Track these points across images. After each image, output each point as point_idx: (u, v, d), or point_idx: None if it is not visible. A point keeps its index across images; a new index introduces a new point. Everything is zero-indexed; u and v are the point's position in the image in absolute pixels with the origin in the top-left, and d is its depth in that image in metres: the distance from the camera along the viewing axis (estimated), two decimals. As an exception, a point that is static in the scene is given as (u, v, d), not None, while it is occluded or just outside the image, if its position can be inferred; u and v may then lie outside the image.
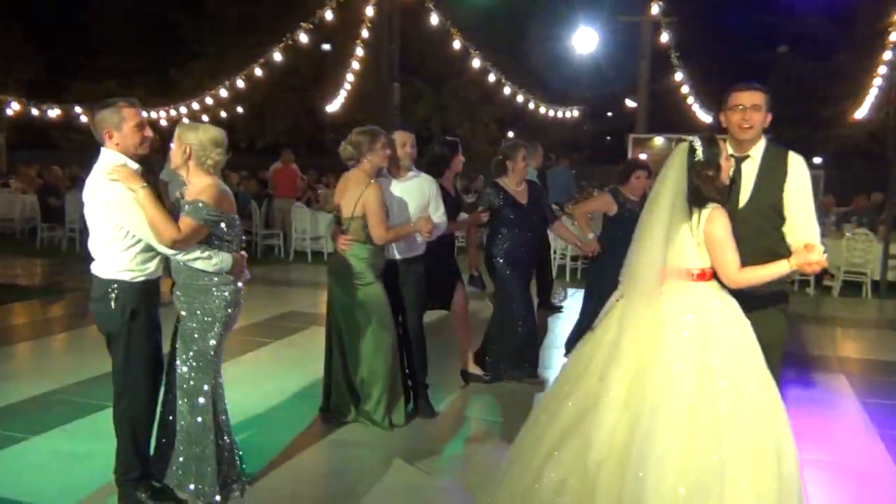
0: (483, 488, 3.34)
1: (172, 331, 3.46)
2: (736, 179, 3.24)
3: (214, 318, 3.35)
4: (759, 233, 3.18)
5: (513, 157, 5.25)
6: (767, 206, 3.22)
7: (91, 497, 3.51)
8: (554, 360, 6.01)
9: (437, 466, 3.96)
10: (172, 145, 3.38)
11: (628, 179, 5.53)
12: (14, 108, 16.33)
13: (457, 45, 13.83)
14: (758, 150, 3.28)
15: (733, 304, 2.95)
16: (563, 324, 7.20)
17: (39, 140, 24.16)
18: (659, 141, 14.09)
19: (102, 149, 3.29)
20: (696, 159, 2.94)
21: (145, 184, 3.18)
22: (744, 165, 3.27)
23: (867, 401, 5.21)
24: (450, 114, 22.70)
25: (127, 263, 3.26)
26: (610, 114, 32.87)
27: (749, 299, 3.00)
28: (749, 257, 2.93)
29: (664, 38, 14.90)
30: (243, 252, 3.50)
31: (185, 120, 16.34)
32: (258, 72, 14.45)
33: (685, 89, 17.27)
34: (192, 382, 3.37)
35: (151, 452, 3.48)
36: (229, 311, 3.39)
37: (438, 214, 4.66)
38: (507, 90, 16.85)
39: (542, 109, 19.64)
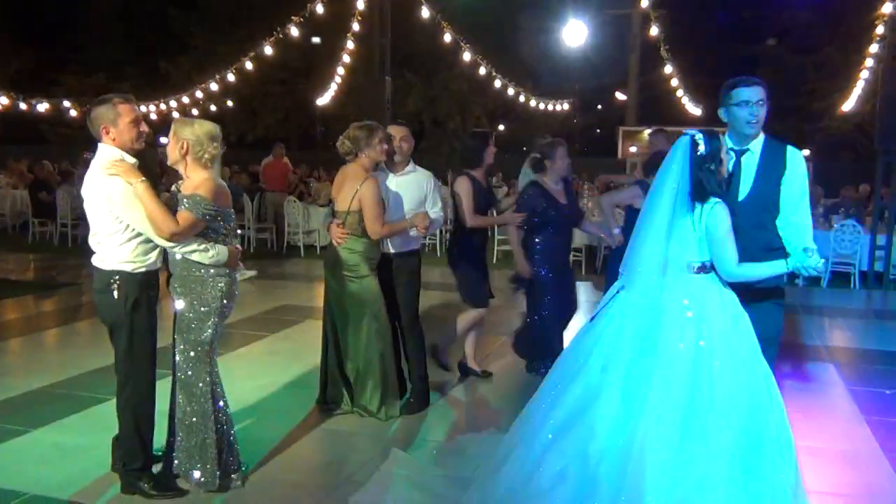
0: (481, 475, 3.38)
1: (173, 323, 3.51)
2: (735, 173, 3.27)
3: (210, 309, 3.42)
4: (758, 226, 3.22)
5: (551, 156, 5.10)
6: (766, 200, 3.26)
7: (93, 487, 3.54)
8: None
9: (435, 455, 4.01)
10: (165, 140, 3.44)
11: (657, 171, 5.46)
12: (2, 102, 16.22)
13: (447, 38, 13.85)
14: (757, 144, 3.31)
15: (732, 296, 2.99)
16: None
17: (28, 134, 23.98)
18: (648, 133, 14.18)
19: (100, 144, 3.36)
20: (699, 153, 2.97)
21: (143, 178, 3.26)
22: (743, 159, 3.31)
23: (854, 388, 5.31)
24: (440, 106, 22.67)
25: (128, 255, 3.33)
26: (600, 107, 32.98)
27: (746, 293, 3.05)
28: (747, 251, 2.97)
29: (653, 31, 14.97)
30: (238, 245, 3.58)
31: (175, 114, 16.30)
32: (248, 65, 14.42)
33: (674, 82, 17.35)
34: (189, 372, 3.43)
35: (163, 447, 3.54)
36: (225, 301, 3.46)
37: (436, 210, 4.68)
38: (497, 83, 16.89)
39: (533, 102, 19.68)
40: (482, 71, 15.88)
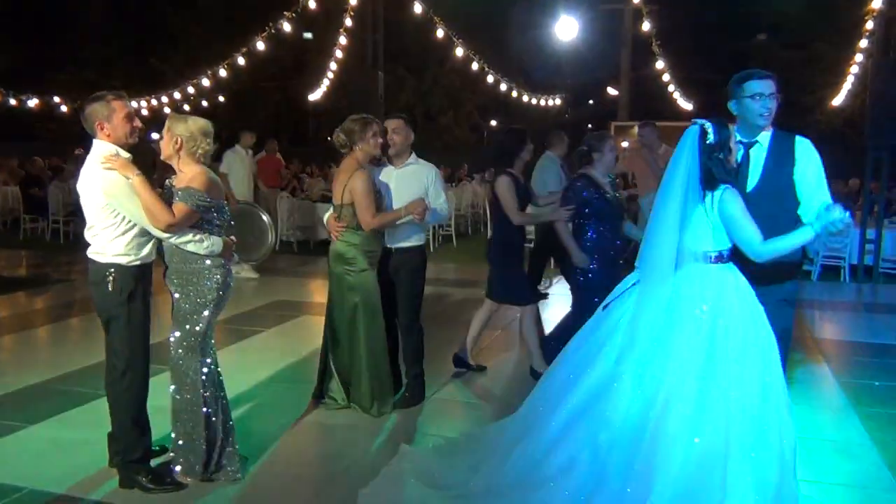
0: (488, 463, 3.35)
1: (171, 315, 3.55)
2: (744, 164, 3.29)
3: (206, 300, 3.48)
4: (769, 216, 3.17)
5: (600, 149, 5.01)
6: (776, 190, 3.27)
7: (90, 481, 3.56)
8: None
9: (435, 447, 4.02)
10: (157, 136, 3.49)
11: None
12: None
13: (440, 33, 13.84)
14: (765, 136, 3.34)
15: (749, 288, 2.99)
16: (551, 310, 7.26)
17: (18, 130, 23.85)
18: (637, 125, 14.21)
19: (94, 140, 3.43)
20: (708, 142, 2.98)
21: (138, 171, 3.33)
22: (752, 151, 3.33)
23: (844, 380, 5.37)
24: (433, 101, 22.70)
25: (123, 248, 3.40)
26: (592, 101, 32.97)
27: (760, 290, 3.03)
28: None
29: (645, 26, 14.99)
30: (232, 237, 3.64)
31: (167, 109, 16.25)
32: (240, 61, 14.37)
33: (666, 77, 17.39)
34: (181, 362, 3.50)
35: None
36: (220, 293, 3.53)
37: (439, 202, 4.66)
38: (489, 78, 16.90)
39: (525, 97, 19.68)
40: (474, 66, 15.89)
